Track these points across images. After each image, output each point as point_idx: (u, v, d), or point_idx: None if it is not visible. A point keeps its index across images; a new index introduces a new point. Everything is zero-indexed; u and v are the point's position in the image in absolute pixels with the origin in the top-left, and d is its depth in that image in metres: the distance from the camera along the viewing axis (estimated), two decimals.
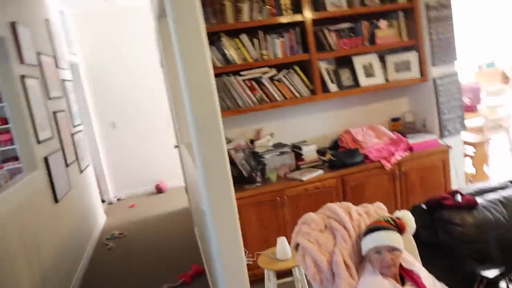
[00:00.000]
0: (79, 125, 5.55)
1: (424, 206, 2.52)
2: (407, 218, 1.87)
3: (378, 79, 3.83)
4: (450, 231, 2.36)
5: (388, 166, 3.51)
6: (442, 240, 2.40)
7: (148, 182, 7.08)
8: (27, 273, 2.92)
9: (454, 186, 3.90)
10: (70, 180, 4.41)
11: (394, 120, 4.14)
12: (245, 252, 3.28)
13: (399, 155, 3.61)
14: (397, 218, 1.86)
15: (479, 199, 2.49)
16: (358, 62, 3.80)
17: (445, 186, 3.78)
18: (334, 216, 1.96)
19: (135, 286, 3.94)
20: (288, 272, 2.86)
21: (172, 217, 5.73)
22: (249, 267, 3.29)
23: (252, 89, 3.52)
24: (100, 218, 5.81)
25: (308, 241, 1.88)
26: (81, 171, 5.13)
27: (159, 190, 6.97)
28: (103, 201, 6.69)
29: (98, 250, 4.95)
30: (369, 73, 3.82)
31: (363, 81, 3.78)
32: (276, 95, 3.57)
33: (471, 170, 5.00)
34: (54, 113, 4.32)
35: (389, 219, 1.83)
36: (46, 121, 3.96)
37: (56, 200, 3.83)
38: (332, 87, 3.70)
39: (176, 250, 4.59)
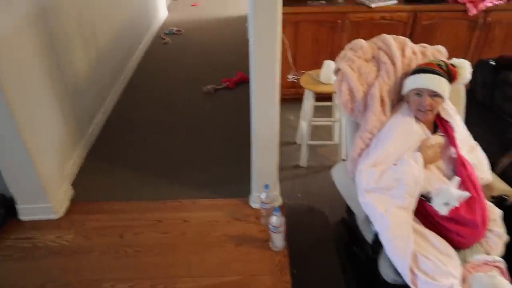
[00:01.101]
0: None
1: (492, 62, 2.26)
2: (463, 67, 1.69)
3: None
4: (509, 93, 2.15)
5: (473, 11, 3.08)
6: (497, 102, 2.22)
7: None
8: (82, 54, 3.05)
9: None
10: None
11: None
12: (293, 69, 3.26)
13: (490, 1, 3.12)
14: (451, 65, 1.68)
15: None
16: None
17: None
18: (385, 48, 1.80)
19: (182, 80, 4.13)
20: (329, 97, 2.85)
21: (232, 22, 5.63)
22: (293, 85, 3.34)
23: None
24: (161, 13, 5.80)
25: (349, 67, 1.78)
26: None
27: None
28: None
29: (154, 43, 5.08)
30: None
31: None
32: None
33: None
34: None
35: (442, 63, 1.66)
36: None
37: None
38: None
39: (228, 55, 4.64)
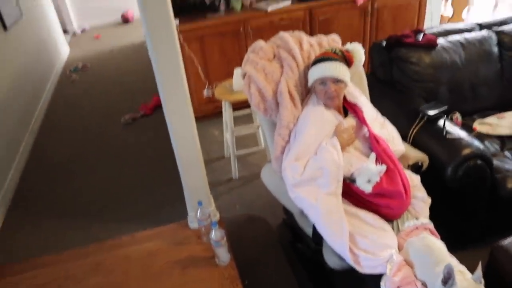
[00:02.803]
0: None
1: (384, 44, 2.43)
2: (356, 50, 1.80)
3: None
4: (405, 69, 2.33)
5: (360, 1, 3.30)
6: (396, 78, 2.39)
7: (114, 11, 6.63)
8: None
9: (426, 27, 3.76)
10: (20, 7, 4.05)
11: None
12: (206, 84, 3.27)
13: None
14: (346, 51, 1.78)
15: (441, 40, 2.41)
16: None
17: (417, 27, 3.65)
18: (283, 45, 1.86)
19: (97, 116, 3.98)
20: (247, 105, 2.88)
21: (138, 48, 5.54)
22: (211, 100, 3.35)
23: None
24: (63, 50, 5.57)
25: (254, 69, 1.82)
26: None
27: (125, 19, 6.59)
28: (66, 32, 6.35)
29: (61, 82, 4.86)
30: None
31: None
32: None
33: (449, 13, 4.80)
34: None
35: (337, 50, 1.75)
36: None
37: (4, 28, 3.55)
38: None
39: (140, 82, 4.55)
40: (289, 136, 1.81)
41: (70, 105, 4.30)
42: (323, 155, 1.65)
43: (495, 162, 1.99)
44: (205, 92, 3.27)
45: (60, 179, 3.10)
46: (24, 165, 3.31)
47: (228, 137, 2.87)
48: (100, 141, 3.54)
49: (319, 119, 1.74)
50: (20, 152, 3.33)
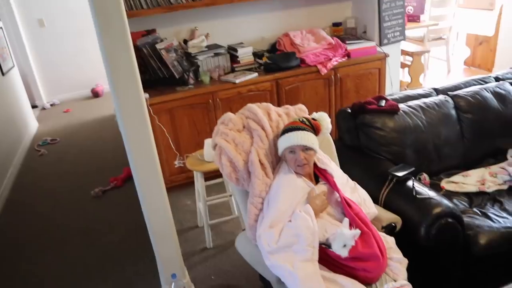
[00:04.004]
0: None
1: (349, 110, 2.54)
2: (323, 119, 1.88)
3: None
4: (370, 134, 2.42)
5: (323, 71, 3.48)
6: (363, 143, 2.47)
7: (84, 85, 6.69)
8: None
9: (388, 93, 3.98)
10: None
11: (335, 25, 4.04)
12: (177, 155, 3.29)
13: (336, 60, 3.57)
14: (313, 119, 1.86)
15: (402, 105, 2.54)
16: None
17: (379, 93, 3.84)
18: (252, 117, 1.92)
19: (67, 190, 3.88)
20: (218, 174, 2.89)
21: (108, 121, 5.55)
22: (182, 170, 3.35)
23: None
24: (32, 125, 5.52)
25: (224, 140, 1.85)
26: (3, 74, 4.73)
27: (95, 94, 6.64)
28: (35, 106, 6.34)
29: (29, 157, 4.76)
30: None
31: None
32: None
33: (407, 79, 5.12)
34: None
35: (304, 119, 1.82)
36: None
37: None
38: None
39: (110, 154, 4.51)
40: (262, 204, 1.81)
41: (38, 180, 4.19)
42: (297, 222, 1.65)
43: (466, 219, 2.04)
44: (176, 163, 3.28)
45: (28, 255, 2.95)
46: None
47: (201, 206, 2.84)
48: (69, 217, 3.42)
49: (291, 187, 1.76)
50: None
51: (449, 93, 2.70)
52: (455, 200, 2.27)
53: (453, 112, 2.59)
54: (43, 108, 6.49)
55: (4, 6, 5.82)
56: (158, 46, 3.23)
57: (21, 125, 5.04)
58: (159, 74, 3.29)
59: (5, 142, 4.31)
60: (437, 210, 1.90)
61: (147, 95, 3.03)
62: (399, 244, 1.79)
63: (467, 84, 2.82)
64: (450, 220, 1.91)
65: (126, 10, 1.85)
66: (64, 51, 6.46)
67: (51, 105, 6.57)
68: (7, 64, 4.99)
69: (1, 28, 5.12)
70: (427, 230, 1.88)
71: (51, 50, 6.41)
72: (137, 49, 3.14)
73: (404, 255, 1.76)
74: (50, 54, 6.43)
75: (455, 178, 2.46)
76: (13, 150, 4.50)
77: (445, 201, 1.98)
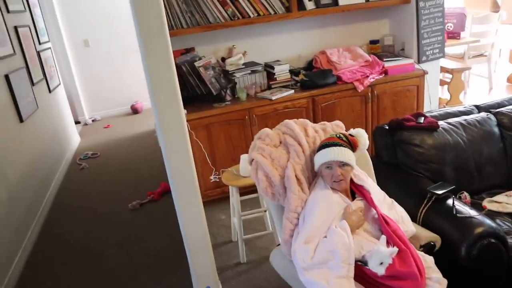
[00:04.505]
0: (46, 42, 5.30)
1: (386, 127, 2.52)
2: (360, 135, 1.87)
3: None
4: (408, 151, 2.38)
5: (360, 88, 3.47)
6: (401, 160, 2.43)
7: (124, 102, 6.96)
8: None
9: (426, 111, 3.90)
10: (37, 99, 4.28)
11: (373, 42, 4.03)
12: (213, 170, 3.33)
13: (372, 77, 3.55)
14: (350, 135, 1.85)
15: (441, 122, 2.49)
16: None
17: (417, 111, 3.77)
18: (289, 132, 1.94)
19: (107, 203, 4.00)
20: (253, 189, 2.92)
21: (146, 137, 5.72)
22: (217, 185, 3.39)
23: (223, 3, 3.33)
24: (74, 139, 5.76)
25: (261, 155, 1.88)
26: (50, 91, 4.99)
27: (135, 110, 6.88)
28: (78, 122, 6.62)
29: (71, 170, 4.96)
30: None
31: None
32: (249, 11, 3.39)
33: (446, 96, 5.00)
34: (16, 28, 4.07)
35: (342, 135, 1.82)
36: (5, 36, 3.74)
37: (21, 120, 3.72)
38: (309, 4, 3.52)
39: (147, 169, 4.63)
40: (297, 219, 1.81)
41: (78, 192, 4.35)
42: (333, 238, 1.64)
43: (510, 240, 1.96)
44: (212, 178, 3.32)
45: (66, 266, 3.04)
46: (30, 252, 3.27)
47: (235, 221, 2.86)
48: (107, 228, 3.52)
49: (327, 202, 1.75)
50: (27, 239, 3.31)
51: (491, 110, 2.62)
52: (498, 221, 2.18)
53: (496, 129, 2.51)
54: (85, 124, 6.77)
55: (53, 27, 6.17)
56: (196, 64, 3.33)
57: (64, 140, 5.27)
58: (197, 91, 3.38)
59: (50, 156, 4.51)
60: (479, 229, 1.84)
61: (185, 111, 3.11)
62: (438, 264, 1.73)
63: (510, 101, 2.74)
64: (493, 240, 1.84)
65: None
66: (106, 70, 6.76)
67: (93, 120, 6.84)
68: (54, 82, 5.25)
69: (50, 48, 5.40)
70: (468, 250, 1.82)
71: (94, 68, 6.73)
72: (177, 67, 3.23)
73: (444, 276, 1.70)
74: (93, 72, 6.75)
75: (498, 198, 2.37)
76: (56, 163, 4.70)
77: (488, 221, 1.91)
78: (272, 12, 3.45)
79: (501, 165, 2.49)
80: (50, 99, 4.96)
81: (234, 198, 2.76)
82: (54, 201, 4.19)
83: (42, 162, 4.20)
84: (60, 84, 5.58)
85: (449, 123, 2.49)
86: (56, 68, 5.58)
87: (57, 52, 6.21)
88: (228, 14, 3.35)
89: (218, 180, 3.29)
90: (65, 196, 4.30)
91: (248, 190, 2.88)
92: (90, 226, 3.60)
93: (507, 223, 2.19)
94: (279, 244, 1.99)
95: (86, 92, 6.84)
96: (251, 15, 3.40)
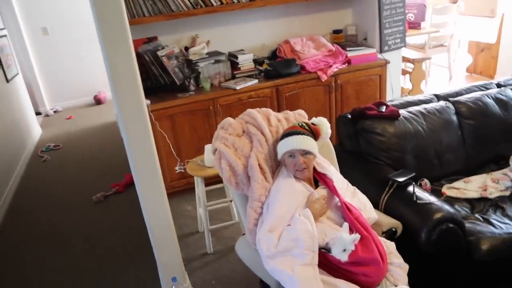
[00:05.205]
0: (2, 29, 5.05)
1: (349, 116, 2.54)
2: (322, 123, 1.88)
3: None
4: (370, 139, 2.42)
5: (324, 77, 3.49)
6: (363, 148, 2.47)
7: (86, 93, 6.74)
8: None
9: (388, 100, 3.98)
10: None
11: (336, 32, 4.06)
12: (178, 161, 3.29)
13: (336, 67, 3.58)
14: (312, 124, 1.86)
15: (402, 111, 2.54)
16: None
17: (380, 100, 3.84)
18: (252, 122, 1.93)
19: (70, 195, 3.90)
20: (219, 179, 2.90)
21: (110, 128, 5.58)
22: (183, 175, 3.35)
23: None
24: (35, 131, 5.55)
25: (224, 145, 1.86)
26: (8, 81, 4.77)
27: (98, 101, 6.69)
28: (39, 113, 6.38)
29: (32, 162, 4.79)
30: None
31: None
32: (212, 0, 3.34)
33: (408, 85, 5.13)
34: None
35: (304, 124, 1.82)
36: None
37: None
38: None
39: (111, 160, 4.53)
40: (262, 208, 1.81)
41: (40, 185, 4.21)
42: (297, 226, 1.64)
43: (467, 224, 2.03)
44: (177, 168, 3.28)
45: (28, 262, 2.96)
46: None
47: (201, 211, 2.84)
48: (71, 222, 3.43)
49: (291, 191, 1.75)
50: None
51: (450, 99, 2.70)
52: (456, 206, 2.26)
53: (454, 118, 2.59)
54: (47, 115, 6.53)
55: (8, 14, 5.89)
56: (159, 53, 3.25)
57: (25, 131, 5.07)
58: (160, 81, 3.31)
59: (9, 148, 4.33)
60: (438, 215, 1.90)
61: (148, 102, 3.05)
62: (400, 249, 1.78)
63: (468, 91, 2.82)
64: (451, 225, 1.90)
65: (128, 18, 1.87)
66: (67, 59, 6.52)
67: (54, 111, 6.61)
68: (12, 71, 5.03)
69: (6, 35, 5.16)
70: (428, 235, 1.87)
71: (54, 57, 6.47)
72: (139, 56, 3.17)
73: (405, 261, 1.75)
74: (54, 61, 6.49)
75: (457, 184, 2.45)
76: (17, 155, 4.52)
77: (446, 207, 1.97)
78: (236, 1, 3.40)
79: (460, 152, 2.57)
80: (8, 89, 4.75)
81: (200, 189, 2.74)
82: (16, 193, 4.06)
83: (1, 154, 4.03)
84: (18, 73, 5.35)
85: (409, 112, 2.54)
86: (13, 57, 5.34)
87: (14, 40, 5.93)
88: (190, 2, 3.29)
89: (183, 170, 3.25)
90: (27, 188, 4.17)
91: (214, 180, 2.87)
92: (54, 220, 3.50)
93: (465, 208, 2.27)
94: (244, 234, 1.99)
95: (47, 82, 6.58)
96: (214, 4, 3.35)
